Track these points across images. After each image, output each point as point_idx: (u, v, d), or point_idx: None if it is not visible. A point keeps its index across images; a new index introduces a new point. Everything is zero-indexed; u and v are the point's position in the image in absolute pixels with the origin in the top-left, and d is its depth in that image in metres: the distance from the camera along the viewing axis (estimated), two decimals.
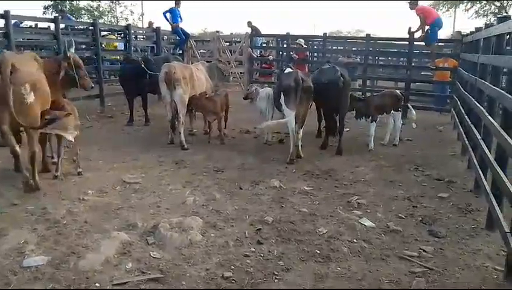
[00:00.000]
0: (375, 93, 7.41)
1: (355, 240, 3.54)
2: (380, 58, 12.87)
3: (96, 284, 2.79)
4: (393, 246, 3.46)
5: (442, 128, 8.24)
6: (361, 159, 5.99)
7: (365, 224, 3.84)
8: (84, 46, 11.65)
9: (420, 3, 9.41)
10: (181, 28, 11.95)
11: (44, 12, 24.50)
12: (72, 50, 5.56)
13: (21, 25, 11.61)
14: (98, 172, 5.17)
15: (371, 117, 6.43)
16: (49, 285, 2.75)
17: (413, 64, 9.96)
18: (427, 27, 9.05)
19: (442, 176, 5.25)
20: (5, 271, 2.90)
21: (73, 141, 4.89)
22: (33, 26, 13.42)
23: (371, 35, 10.42)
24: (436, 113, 9.71)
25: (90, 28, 10.95)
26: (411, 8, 9.25)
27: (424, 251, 3.38)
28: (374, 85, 11.21)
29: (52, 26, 9.12)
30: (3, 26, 7.90)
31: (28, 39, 11.25)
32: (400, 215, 4.09)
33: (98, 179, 4.87)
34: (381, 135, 6.79)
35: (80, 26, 14.36)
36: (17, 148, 4.40)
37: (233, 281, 2.92)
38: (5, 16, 7.55)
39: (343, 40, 14.07)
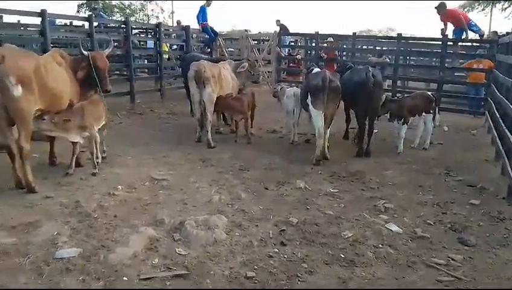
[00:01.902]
0: (406, 95, 7.23)
1: (381, 245, 3.49)
2: (411, 58, 12.59)
3: (124, 278, 2.88)
4: (420, 253, 3.39)
5: (476, 132, 7.97)
6: (389, 162, 5.88)
7: (392, 229, 3.78)
8: (115, 45, 12.01)
9: (451, 4, 9.18)
10: (210, 27, 12.06)
11: (78, 11, 25.28)
12: (108, 50, 5.71)
13: (56, 23, 12.02)
14: (127, 168, 5.31)
15: (402, 119, 6.28)
16: (80, 277, 2.86)
17: (446, 64, 9.67)
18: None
19: (474, 182, 5.08)
20: (38, 261, 3.03)
21: (78, 141, 4.89)
22: (67, 24, 13.92)
23: (403, 35, 10.20)
24: (469, 116, 9.40)
25: (123, 26, 11.22)
26: (438, 13, 8.99)
27: (452, 259, 3.29)
28: (405, 86, 10.95)
29: (86, 24, 9.37)
30: (39, 24, 8.20)
31: (63, 37, 11.68)
32: (428, 221, 3.99)
33: (127, 175, 4.99)
34: (411, 138, 6.64)
35: (112, 24, 14.77)
36: (13, 147, 4.28)
37: (256, 281, 2.94)
38: (42, 14, 7.84)
39: (374, 39, 13.78)
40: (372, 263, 3.22)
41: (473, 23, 9.67)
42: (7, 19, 11.30)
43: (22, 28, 11.50)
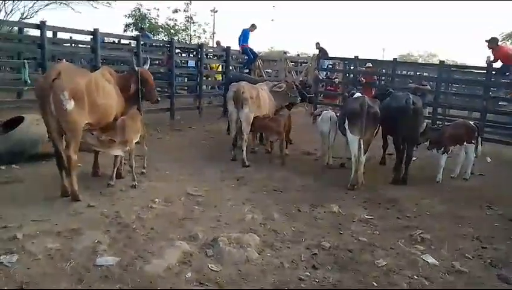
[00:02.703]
0: (447, 123, 7.07)
1: (416, 277, 3.39)
2: (453, 85, 12.30)
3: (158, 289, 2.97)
4: (457, 287, 3.27)
5: None
6: (427, 191, 5.73)
7: (428, 261, 3.67)
8: (158, 62, 12.53)
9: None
10: (250, 48, 12.36)
11: (125, 30, 26.57)
12: (146, 66, 6.02)
13: (105, 41, 12.73)
14: (164, 182, 5.48)
15: (443, 148, 6.13)
16: (117, 285, 2.98)
17: (490, 94, 9.36)
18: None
19: None
20: (79, 267, 3.18)
21: (120, 155, 5.13)
22: (116, 42, 14.68)
23: (445, 60, 10.02)
24: None
25: (167, 45, 11.71)
26: (489, 47, 8.76)
27: None
28: (446, 113, 10.68)
29: (133, 43, 9.86)
30: (90, 41, 8.74)
31: (111, 54, 12.32)
32: (466, 255, 3.84)
33: (164, 189, 5.15)
34: (451, 167, 6.45)
35: (156, 44, 15.43)
36: (63, 157, 4.50)
37: None
38: (94, 33, 8.37)
39: (415, 65, 13.57)
40: None
41: None
42: (60, 35, 12.12)
43: (73, 45, 12.29)
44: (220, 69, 13.01)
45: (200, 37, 29.32)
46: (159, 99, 6.03)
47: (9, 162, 5.62)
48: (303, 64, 14.25)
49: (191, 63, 13.90)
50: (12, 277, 2.97)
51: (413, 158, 6.23)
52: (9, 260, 3.17)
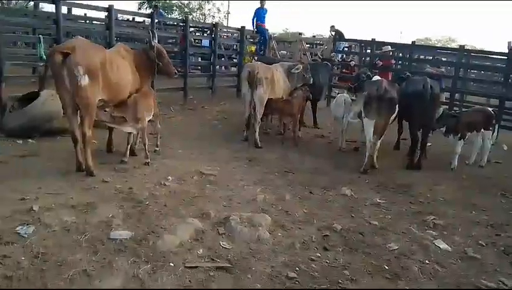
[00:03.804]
0: (464, 109, 6.92)
1: (427, 261, 3.38)
2: (471, 71, 11.99)
3: (171, 264, 3.01)
4: (469, 274, 3.25)
5: None
6: (441, 177, 5.66)
7: (440, 246, 3.64)
8: (171, 41, 12.44)
9: None
10: (266, 29, 12.19)
11: (139, 8, 26.45)
12: (156, 41, 5.97)
13: (118, 18, 12.67)
14: (177, 160, 5.51)
15: (459, 134, 6.02)
16: (131, 258, 3.02)
17: (510, 80, 9.10)
18: None
19: None
20: (94, 240, 3.23)
21: (133, 132, 5.17)
22: (130, 19, 14.61)
23: (464, 46, 9.74)
24: None
25: (181, 24, 11.61)
26: None
27: (503, 283, 3.13)
28: (463, 100, 10.46)
29: (147, 20, 9.79)
30: (104, 18, 8.69)
31: (126, 32, 12.27)
32: (480, 242, 3.80)
33: (177, 167, 5.19)
34: (467, 154, 6.34)
35: (171, 22, 15.33)
36: (77, 133, 4.57)
37: (297, 282, 2.96)
38: (109, 9, 8.31)
39: (433, 49, 13.24)
40: (417, 278, 3.13)
41: None
42: (75, 11, 12.09)
43: (88, 22, 12.26)
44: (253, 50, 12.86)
45: (214, 16, 29.08)
46: (177, 72, 5.99)
47: (25, 136, 5.70)
48: (318, 46, 14.01)
49: (205, 42, 13.81)
50: (28, 247, 3.04)
51: (428, 144, 6.13)
52: (26, 231, 3.24)
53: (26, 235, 3.18)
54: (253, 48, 13.00)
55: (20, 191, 3.97)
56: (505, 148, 7.47)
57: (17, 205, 3.68)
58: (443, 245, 3.67)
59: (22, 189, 4.03)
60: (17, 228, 3.26)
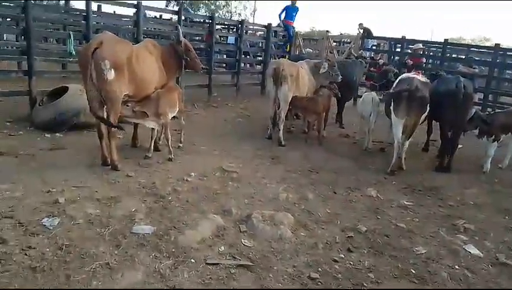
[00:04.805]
0: (498, 110, 6.62)
1: (457, 267, 3.24)
2: (506, 71, 11.51)
3: (192, 260, 2.99)
4: (501, 281, 3.10)
5: None
6: (472, 180, 5.43)
7: (470, 251, 3.49)
8: (198, 38, 12.50)
9: None
10: (293, 27, 12.07)
11: (166, 5, 26.75)
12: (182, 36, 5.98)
13: (146, 15, 12.83)
14: (200, 157, 5.51)
15: (493, 136, 5.76)
16: (152, 253, 3.03)
17: None
18: None
19: None
20: (117, 234, 3.26)
21: (156, 128, 5.19)
22: (157, 16, 14.78)
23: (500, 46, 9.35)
24: None
25: (208, 21, 11.64)
26: None
27: None
28: (496, 100, 10.05)
29: (174, 17, 9.85)
30: (133, 15, 8.79)
31: (153, 28, 12.44)
32: None
33: (200, 163, 5.18)
34: (500, 157, 6.07)
35: (197, 19, 15.42)
36: (103, 127, 4.60)
37: (319, 283, 2.89)
38: (137, 6, 8.40)
39: (466, 48, 12.76)
40: (445, 283, 3.01)
41: None
42: (105, 8, 12.33)
43: (117, 18, 12.48)
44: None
45: (240, 14, 29.12)
46: (203, 67, 5.97)
47: (54, 130, 5.84)
48: (346, 45, 13.78)
49: (231, 39, 13.81)
50: (53, 238, 3.08)
51: (460, 146, 5.90)
52: (51, 223, 3.30)
53: (51, 227, 3.24)
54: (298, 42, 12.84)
55: (47, 184, 4.06)
56: None
57: (44, 197, 3.75)
58: (473, 250, 3.51)
59: (48, 181, 4.12)
60: (43, 220, 3.33)
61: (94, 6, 9.09)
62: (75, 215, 3.46)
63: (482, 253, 3.49)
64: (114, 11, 13.60)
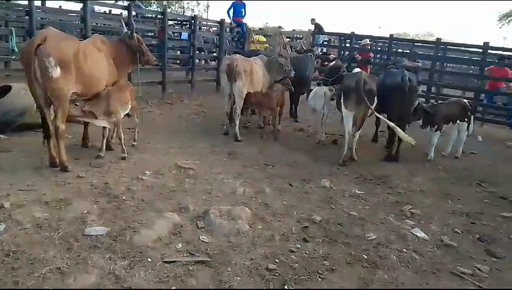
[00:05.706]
0: (441, 102, 7.04)
1: (405, 250, 3.43)
2: (447, 64, 12.24)
3: (148, 259, 2.95)
4: (445, 261, 3.32)
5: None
6: (418, 169, 5.76)
7: (417, 235, 3.71)
8: (150, 34, 12.20)
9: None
10: (244, 23, 12.09)
11: (116, 0, 25.82)
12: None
13: (95, 10, 12.33)
14: (155, 154, 5.41)
15: (435, 126, 6.11)
16: (107, 254, 2.95)
17: (485, 73, 9.31)
18: None
19: (507, 195, 4.91)
20: (68, 237, 3.14)
21: (107, 126, 5.04)
22: (106, 12, 14.24)
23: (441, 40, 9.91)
24: (506, 127, 9.06)
25: (159, 17, 11.39)
26: None
27: (479, 269, 3.21)
28: (439, 92, 10.66)
29: (125, 13, 9.56)
30: (80, 10, 8.43)
31: (102, 24, 11.98)
32: (455, 230, 3.89)
33: (155, 161, 5.09)
34: (443, 145, 6.46)
35: (149, 15, 15.03)
36: (51, 126, 4.44)
37: (277, 274, 2.95)
38: (84, 1, 8.06)
39: (410, 43, 13.42)
40: (395, 266, 3.17)
41: None
42: (49, 3, 11.73)
43: (63, 14, 11.90)
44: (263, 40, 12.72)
45: (193, 9, 28.73)
46: (156, 60, 5.93)
47: None
48: (298, 40, 14.00)
49: (185, 35, 13.60)
50: None
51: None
52: None
53: None
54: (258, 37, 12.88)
55: None
56: (480, 139, 7.65)
57: None
58: (420, 234, 3.73)
59: None
60: None
61: (37, 1, 8.65)
62: (22, 220, 3.30)
63: (428, 236, 3.72)
64: (60, 6, 12.93)
